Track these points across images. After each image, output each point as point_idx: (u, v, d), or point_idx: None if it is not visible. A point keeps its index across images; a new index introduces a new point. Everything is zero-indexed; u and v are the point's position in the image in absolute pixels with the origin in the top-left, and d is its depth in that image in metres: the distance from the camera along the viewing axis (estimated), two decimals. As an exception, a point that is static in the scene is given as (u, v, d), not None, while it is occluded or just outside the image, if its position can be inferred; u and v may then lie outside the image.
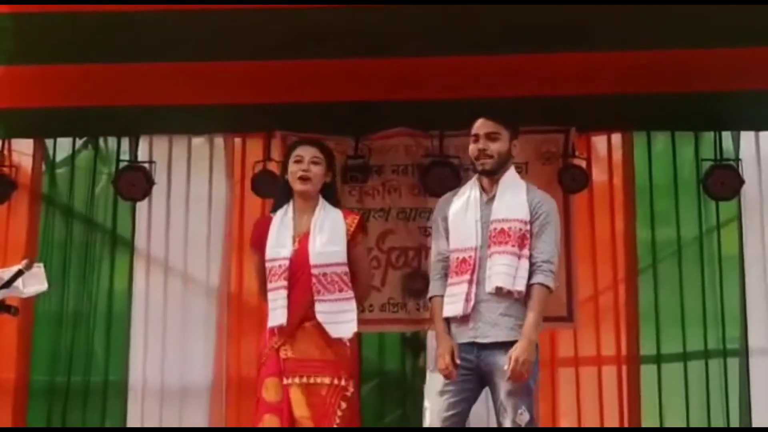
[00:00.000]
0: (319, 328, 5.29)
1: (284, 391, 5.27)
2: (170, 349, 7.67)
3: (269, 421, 5.27)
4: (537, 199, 5.30)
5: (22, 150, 7.85)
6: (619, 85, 6.77)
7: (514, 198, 5.28)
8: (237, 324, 7.55)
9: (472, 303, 5.19)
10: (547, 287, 5.17)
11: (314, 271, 5.31)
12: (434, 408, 5.24)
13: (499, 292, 5.16)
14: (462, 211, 5.35)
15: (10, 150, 7.82)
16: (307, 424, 5.19)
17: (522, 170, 7.46)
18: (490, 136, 5.31)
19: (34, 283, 5.41)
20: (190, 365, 7.67)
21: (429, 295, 5.49)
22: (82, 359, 7.63)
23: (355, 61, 6.58)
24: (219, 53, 6.45)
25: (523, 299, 5.19)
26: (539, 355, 5.27)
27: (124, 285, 7.74)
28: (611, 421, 7.41)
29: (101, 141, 7.92)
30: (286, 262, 5.34)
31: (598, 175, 7.67)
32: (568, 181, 7.48)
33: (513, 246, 5.18)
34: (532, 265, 5.19)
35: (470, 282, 5.21)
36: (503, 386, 5.11)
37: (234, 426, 7.41)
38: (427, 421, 5.28)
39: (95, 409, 7.59)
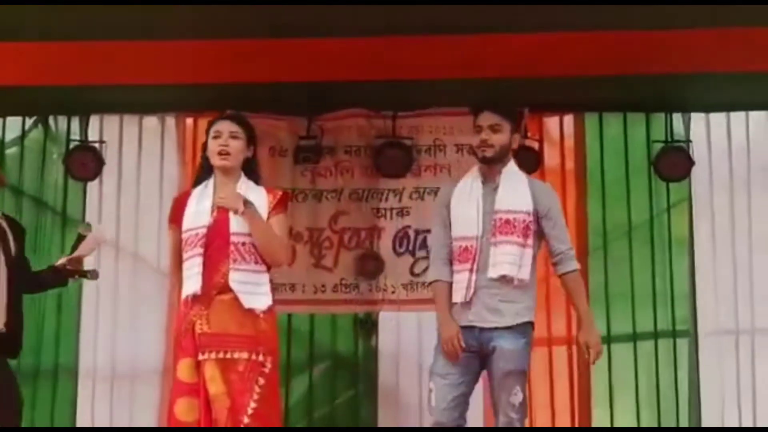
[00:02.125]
0: (237, 302, 5.21)
1: (200, 369, 5.21)
2: (121, 331, 7.65)
3: (183, 404, 5.20)
4: (538, 191, 5.52)
5: (-29, 130, 7.78)
6: (572, 67, 6.78)
7: (518, 190, 5.48)
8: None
9: (472, 290, 5.36)
10: (578, 270, 5.52)
11: (233, 238, 5.24)
12: (438, 390, 5.38)
13: (503, 280, 5.35)
14: (464, 201, 5.52)
15: (-41, 130, 7.75)
16: (224, 400, 5.10)
17: (475, 151, 7.51)
18: (494, 128, 5.48)
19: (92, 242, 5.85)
20: (141, 347, 7.64)
21: (431, 278, 5.63)
22: (32, 341, 7.55)
23: (307, 40, 6.56)
24: (171, 32, 6.41)
25: (522, 286, 5.39)
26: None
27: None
28: (562, 401, 7.46)
29: (51, 120, 7.86)
30: (204, 230, 5.25)
31: (550, 156, 7.69)
32: (520, 162, 7.48)
33: (518, 237, 5.39)
34: (556, 256, 5.47)
35: (471, 270, 5.38)
36: (502, 368, 5.32)
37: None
38: (433, 403, 5.40)
39: (45, 391, 7.56)
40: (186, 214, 5.36)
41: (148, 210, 7.71)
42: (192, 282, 5.24)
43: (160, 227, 7.64)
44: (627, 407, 7.55)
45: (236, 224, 5.27)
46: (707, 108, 7.69)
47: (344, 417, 7.73)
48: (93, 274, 5.96)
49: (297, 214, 7.49)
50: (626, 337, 7.59)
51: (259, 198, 5.37)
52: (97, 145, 7.66)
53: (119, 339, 7.64)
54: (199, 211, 5.33)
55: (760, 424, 7.47)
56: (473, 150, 5.61)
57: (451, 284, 5.47)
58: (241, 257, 5.26)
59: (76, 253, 5.82)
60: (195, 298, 5.24)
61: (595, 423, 7.44)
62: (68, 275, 5.92)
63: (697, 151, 7.65)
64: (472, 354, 5.37)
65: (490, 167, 5.52)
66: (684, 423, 7.54)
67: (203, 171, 5.48)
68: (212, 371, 5.14)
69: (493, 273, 5.35)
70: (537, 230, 5.46)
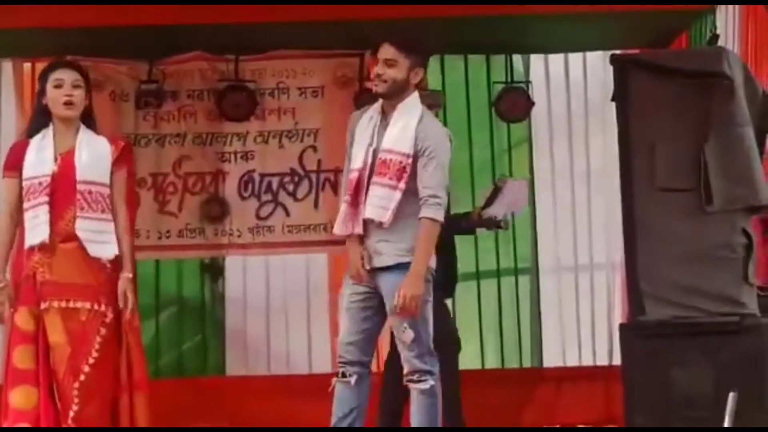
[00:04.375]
0: (81, 251, 5.18)
1: (40, 317, 5.17)
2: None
3: (22, 352, 5.16)
4: (423, 132, 5.27)
5: None
6: (413, 9, 6.80)
7: (404, 129, 5.27)
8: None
9: (351, 224, 5.27)
10: (434, 220, 5.21)
11: (80, 186, 5.19)
12: (343, 324, 5.34)
13: (372, 223, 5.23)
14: (362, 132, 5.36)
15: None
16: (64, 350, 5.09)
17: (318, 94, 7.54)
18: (388, 62, 5.30)
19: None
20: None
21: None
22: None
23: (147, -17, 6.48)
24: (5, -26, 6.28)
25: (398, 227, 5.23)
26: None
27: None
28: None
29: None
30: (48, 179, 5.19)
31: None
32: (363, 104, 7.51)
33: (390, 179, 5.22)
34: (419, 199, 5.21)
35: (349, 204, 5.28)
36: (388, 308, 5.21)
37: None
38: (340, 338, 5.35)
39: None
40: (26, 162, 5.26)
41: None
42: (39, 231, 5.17)
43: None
44: (471, 345, 7.69)
45: (82, 171, 5.21)
46: (546, 49, 7.82)
47: (192, 362, 7.75)
48: (505, 224, 6.65)
49: (140, 159, 7.38)
50: (470, 276, 7.72)
51: (102, 149, 5.32)
52: (-68, 91, 7.47)
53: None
54: (41, 160, 5.24)
55: (599, 359, 7.71)
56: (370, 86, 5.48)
57: None
58: (88, 205, 5.21)
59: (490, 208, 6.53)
60: (42, 247, 5.17)
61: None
62: (481, 225, 6.70)
63: (537, 91, 7.77)
64: (368, 292, 5.29)
65: (388, 102, 5.34)
66: (527, 359, 7.74)
67: (40, 120, 5.36)
68: (53, 319, 5.12)
69: (363, 214, 5.25)
70: (414, 172, 5.25)
